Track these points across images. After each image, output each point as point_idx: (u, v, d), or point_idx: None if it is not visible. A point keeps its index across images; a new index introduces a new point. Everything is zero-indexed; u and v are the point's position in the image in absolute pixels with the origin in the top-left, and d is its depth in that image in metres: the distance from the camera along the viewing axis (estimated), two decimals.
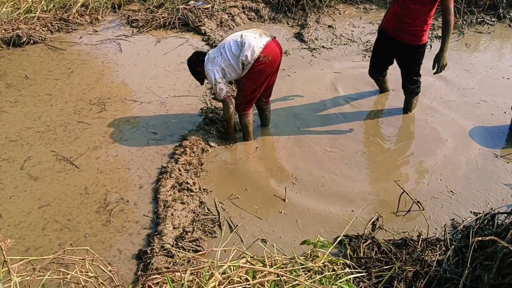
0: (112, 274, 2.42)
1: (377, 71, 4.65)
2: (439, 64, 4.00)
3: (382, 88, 4.93)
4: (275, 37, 3.91)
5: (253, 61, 3.75)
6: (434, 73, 4.09)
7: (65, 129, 4.40)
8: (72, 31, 6.46)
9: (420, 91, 4.45)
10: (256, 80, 3.86)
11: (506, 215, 3.15)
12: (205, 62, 3.92)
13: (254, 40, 3.76)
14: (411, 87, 4.38)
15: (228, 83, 3.97)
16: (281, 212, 3.46)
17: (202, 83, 4.25)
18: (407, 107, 4.55)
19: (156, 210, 3.45)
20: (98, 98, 4.89)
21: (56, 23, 6.50)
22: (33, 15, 6.55)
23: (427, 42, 4.13)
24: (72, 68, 5.51)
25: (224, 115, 4.17)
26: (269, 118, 4.42)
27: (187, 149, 4.02)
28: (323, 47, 6.00)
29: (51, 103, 4.81)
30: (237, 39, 3.82)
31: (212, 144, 4.19)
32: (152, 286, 2.32)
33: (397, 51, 4.23)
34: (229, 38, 3.90)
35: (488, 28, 6.46)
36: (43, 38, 6.15)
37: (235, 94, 4.16)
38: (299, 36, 6.28)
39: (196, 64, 4.02)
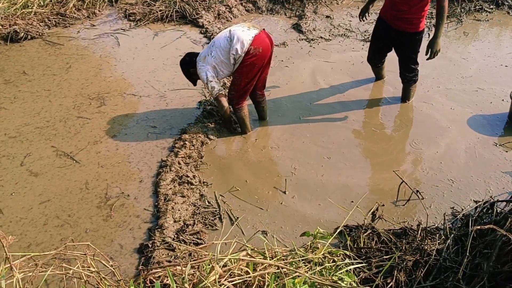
0: (113, 268, 2.44)
1: (376, 58, 4.66)
2: (432, 50, 4.01)
3: (378, 75, 4.95)
4: (264, 29, 3.91)
5: (244, 54, 3.74)
6: (427, 59, 4.10)
7: (65, 125, 4.40)
8: (69, 26, 6.44)
9: (418, 79, 4.44)
10: (248, 73, 3.86)
11: (505, 203, 3.16)
12: (197, 62, 3.95)
13: (243, 33, 3.76)
14: (408, 75, 4.38)
15: (221, 80, 3.98)
16: (281, 203, 3.48)
17: (195, 84, 4.26)
18: (405, 96, 4.55)
19: (156, 203, 3.46)
20: (97, 93, 4.89)
21: (53, 18, 6.48)
22: (30, 10, 6.53)
23: (424, 29, 4.12)
24: (70, 63, 5.50)
25: (220, 112, 4.19)
26: (266, 111, 4.42)
27: (186, 142, 4.02)
28: (321, 37, 5.97)
29: (49, 98, 4.81)
30: (226, 35, 3.83)
31: (211, 136, 4.20)
32: (154, 279, 2.33)
33: (395, 38, 4.23)
34: (217, 36, 3.94)
35: (487, 15, 6.43)
36: (40, 33, 6.13)
37: (228, 89, 4.16)
38: (297, 27, 6.25)
39: (189, 66, 4.05)
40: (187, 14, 6.47)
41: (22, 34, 5.99)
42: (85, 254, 2.40)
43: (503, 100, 4.52)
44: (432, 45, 3.99)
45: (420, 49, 4.22)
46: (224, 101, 4.03)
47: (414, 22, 4.00)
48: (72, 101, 4.75)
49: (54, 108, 4.66)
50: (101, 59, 5.58)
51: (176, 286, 2.06)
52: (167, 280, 2.27)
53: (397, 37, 4.18)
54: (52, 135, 4.27)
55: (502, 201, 3.16)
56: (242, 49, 3.74)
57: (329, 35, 6.03)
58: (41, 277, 2.35)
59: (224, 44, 3.81)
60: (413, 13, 3.95)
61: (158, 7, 6.65)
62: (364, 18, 4.66)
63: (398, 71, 4.43)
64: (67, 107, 4.67)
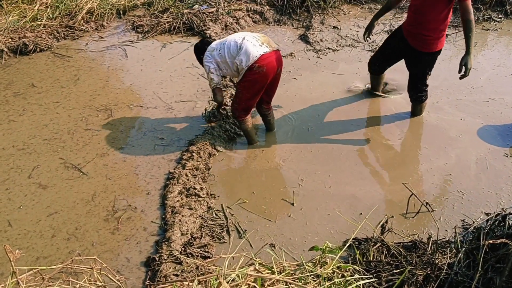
0: (120, 282, 2.42)
1: (380, 65, 4.50)
2: (466, 66, 3.79)
3: (375, 86, 4.80)
4: (278, 50, 3.88)
5: (246, 68, 3.73)
6: (461, 77, 3.87)
7: (73, 137, 4.42)
8: (78, 38, 6.49)
9: (427, 98, 4.37)
10: (250, 88, 3.85)
11: None
12: (206, 51, 3.97)
13: (253, 47, 3.74)
14: (414, 94, 4.29)
15: (222, 76, 4.02)
16: (289, 215, 3.45)
17: None
18: (414, 112, 4.48)
19: (163, 216, 3.44)
20: (105, 105, 4.90)
21: (62, 31, 6.53)
22: (39, 23, 6.59)
23: (440, 50, 3.97)
24: (78, 75, 5.53)
25: (214, 100, 4.23)
26: (273, 123, 4.40)
27: (194, 154, 4.01)
28: (329, 48, 5.96)
29: (58, 110, 4.83)
30: (238, 41, 3.81)
31: (219, 148, 4.19)
32: None
33: (407, 53, 4.11)
34: (232, 36, 3.93)
35: (495, 25, 6.40)
36: (49, 46, 6.17)
37: (232, 99, 4.17)
38: (304, 38, 6.25)
39: (201, 52, 4.06)
40: (195, 26, 6.50)
41: (31, 46, 6.03)
42: (92, 268, 2.38)
43: None
44: (466, 62, 3.79)
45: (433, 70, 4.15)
46: (219, 95, 4.05)
47: (428, 41, 3.86)
48: (80, 113, 4.77)
49: (62, 120, 4.67)
50: (109, 71, 5.61)
51: None
52: None
53: (410, 53, 4.05)
54: (60, 147, 4.28)
55: None
56: (246, 63, 3.72)
57: (337, 46, 6.02)
58: None
59: (233, 49, 3.80)
60: (430, 30, 3.81)
61: (166, 19, 6.68)
62: (368, 38, 4.52)
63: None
64: (75, 119, 4.68)
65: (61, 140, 4.37)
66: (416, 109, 4.45)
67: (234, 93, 4.46)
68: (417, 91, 4.26)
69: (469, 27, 3.69)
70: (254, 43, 3.77)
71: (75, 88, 5.25)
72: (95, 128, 4.53)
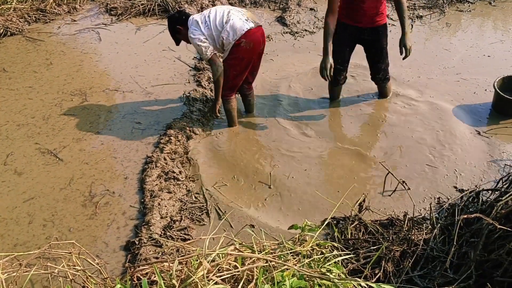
0: (100, 266, 2.41)
1: (341, 71, 4.25)
2: (406, 47, 3.90)
3: (337, 95, 4.57)
4: (261, 26, 3.85)
5: (233, 42, 3.70)
6: (404, 58, 3.97)
7: (47, 122, 4.33)
8: (50, 21, 6.33)
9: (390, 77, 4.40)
10: (236, 66, 3.82)
11: (490, 191, 3.19)
12: (189, 24, 3.78)
13: (239, 21, 3.70)
14: (383, 76, 4.30)
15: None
16: (267, 198, 3.47)
17: (178, 44, 4.08)
18: (383, 94, 4.51)
19: (142, 200, 3.42)
20: (79, 89, 4.81)
21: (33, 14, 6.36)
22: (9, 6, 6.39)
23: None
24: (51, 59, 5.41)
25: (213, 76, 3.91)
26: (253, 104, 4.39)
27: (172, 137, 3.98)
28: (306, 30, 5.96)
29: (31, 95, 4.73)
30: (223, 14, 3.73)
31: (197, 131, 4.16)
32: (141, 276, 2.31)
33: (363, 42, 4.14)
34: (216, 9, 3.81)
35: (469, 6, 6.47)
36: (20, 30, 6.01)
37: None
38: (281, 20, 6.22)
39: (178, 22, 3.86)
40: (170, 8, 6.40)
41: (2, 30, 5.87)
42: (70, 253, 2.36)
43: (486, 90, 4.55)
44: (405, 42, 3.88)
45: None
46: (218, 61, 3.83)
47: (383, 15, 3.99)
48: (54, 98, 4.67)
49: (35, 105, 4.58)
50: (82, 54, 5.50)
51: (164, 282, 2.04)
52: (154, 277, 2.24)
53: (371, 35, 4.06)
54: (35, 133, 4.20)
55: (487, 190, 3.19)
56: (233, 37, 3.67)
57: (313, 28, 6.01)
58: (25, 277, 2.31)
59: (219, 21, 3.71)
60: (381, 8, 3.95)
61: (140, 1, 6.56)
62: (330, 76, 3.94)
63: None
64: (49, 104, 4.59)
65: (35, 126, 4.29)
66: (385, 90, 4.48)
67: None
68: (384, 71, 4.28)
69: (402, 8, 3.87)
70: (240, 17, 3.73)
71: (48, 72, 5.14)
72: (71, 113, 4.45)
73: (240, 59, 3.79)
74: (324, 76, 3.93)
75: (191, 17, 3.84)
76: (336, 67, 4.06)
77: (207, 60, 3.87)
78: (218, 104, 4.05)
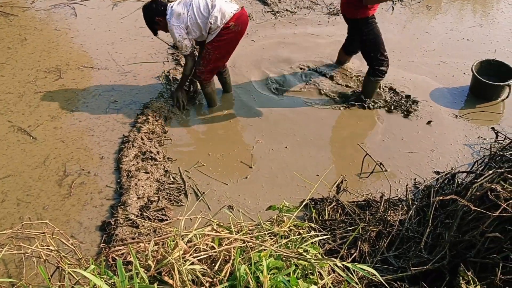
0: (74, 247, 2.37)
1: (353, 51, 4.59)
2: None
3: (344, 61, 4.81)
4: (243, 7, 3.80)
5: (222, 26, 3.64)
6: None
7: (21, 99, 4.22)
8: None
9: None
10: (222, 48, 3.77)
11: (466, 174, 3.24)
12: (168, 16, 3.67)
13: (225, 4, 3.64)
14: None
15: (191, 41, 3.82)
16: (246, 177, 3.46)
17: (155, 34, 3.98)
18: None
19: (119, 180, 3.38)
20: (55, 66, 4.68)
21: None
22: None
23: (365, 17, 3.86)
24: (25, 35, 5.24)
25: (185, 69, 3.93)
26: (230, 83, 4.33)
27: (149, 117, 3.92)
28: (287, 10, 5.89)
29: (3, 72, 4.58)
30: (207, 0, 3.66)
31: (175, 111, 4.10)
32: (116, 257, 2.28)
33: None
34: None
35: None
36: None
37: (197, 62, 3.95)
38: None
39: (155, 13, 3.73)
40: None
41: None
42: (43, 233, 2.31)
43: (464, 73, 4.58)
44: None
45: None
46: (193, 63, 3.87)
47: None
48: (28, 75, 4.54)
49: (9, 82, 4.44)
50: (57, 31, 5.34)
51: (139, 263, 2.02)
52: (130, 258, 2.22)
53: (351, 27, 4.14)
54: (8, 111, 4.08)
55: (462, 172, 3.24)
56: (221, 21, 3.62)
57: (295, 8, 5.94)
58: None
59: (203, 7, 3.62)
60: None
61: None
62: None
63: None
64: (23, 81, 4.46)
65: (9, 103, 4.17)
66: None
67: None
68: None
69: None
70: (225, 0, 3.66)
71: (22, 48, 4.98)
72: (45, 90, 4.33)
73: (228, 42, 3.74)
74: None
75: (169, 6, 3.72)
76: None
77: (184, 56, 3.88)
78: (180, 93, 4.08)
